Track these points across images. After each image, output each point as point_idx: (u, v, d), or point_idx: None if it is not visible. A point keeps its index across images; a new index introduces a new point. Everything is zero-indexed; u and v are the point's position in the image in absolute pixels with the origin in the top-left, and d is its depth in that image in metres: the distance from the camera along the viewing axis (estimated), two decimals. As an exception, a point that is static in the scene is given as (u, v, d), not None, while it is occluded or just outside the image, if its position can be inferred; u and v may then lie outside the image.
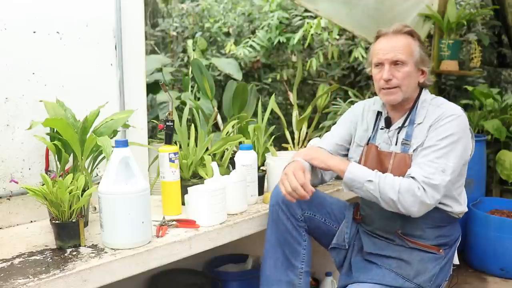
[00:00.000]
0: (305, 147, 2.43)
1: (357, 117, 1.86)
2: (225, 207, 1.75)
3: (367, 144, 1.77)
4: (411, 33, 1.69)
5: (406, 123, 1.68)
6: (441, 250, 1.64)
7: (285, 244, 1.78)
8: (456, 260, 1.77)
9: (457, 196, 1.66)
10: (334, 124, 1.98)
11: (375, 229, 1.72)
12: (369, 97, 2.88)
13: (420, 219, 1.61)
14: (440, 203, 1.61)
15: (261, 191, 2.08)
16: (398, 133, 1.69)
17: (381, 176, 1.57)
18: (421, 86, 1.73)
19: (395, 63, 1.65)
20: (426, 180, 1.51)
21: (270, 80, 4.87)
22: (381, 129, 1.75)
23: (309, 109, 2.51)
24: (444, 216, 1.65)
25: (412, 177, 1.54)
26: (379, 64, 1.68)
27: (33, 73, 1.78)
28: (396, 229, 1.65)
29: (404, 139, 1.65)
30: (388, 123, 1.74)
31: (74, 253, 1.43)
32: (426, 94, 1.72)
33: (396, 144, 1.68)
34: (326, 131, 2.02)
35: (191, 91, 3.59)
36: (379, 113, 1.79)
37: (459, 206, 1.66)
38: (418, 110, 1.68)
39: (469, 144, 1.64)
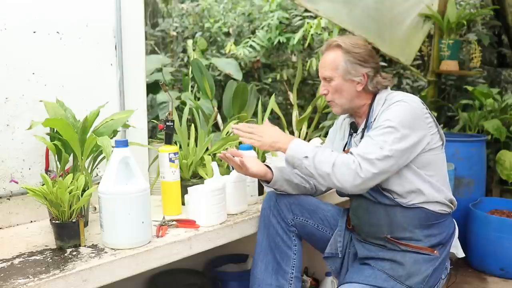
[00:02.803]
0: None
1: (337, 130, 1.92)
2: (225, 207, 1.75)
3: (344, 150, 1.80)
4: (339, 45, 1.70)
5: (368, 125, 1.71)
6: (435, 251, 1.63)
7: (276, 248, 1.79)
8: (460, 253, 1.75)
9: (431, 180, 1.62)
10: (333, 124, 2.00)
11: (366, 237, 1.72)
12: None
13: (406, 220, 1.62)
14: (418, 192, 1.59)
15: (261, 191, 2.08)
16: (362, 136, 1.72)
17: (317, 151, 1.58)
18: (375, 90, 1.71)
19: (325, 79, 1.73)
20: (361, 154, 1.53)
21: (270, 80, 4.86)
22: (350, 134, 1.82)
23: (309, 109, 2.51)
24: (430, 214, 1.63)
25: (350, 153, 1.57)
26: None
27: (33, 73, 1.78)
28: (384, 234, 1.65)
29: None
30: (355, 128, 1.80)
31: (74, 253, 1.43)
32: (383, 93, 1.71)
33: None
34: (326, 131, 2.03)
35: (191, 91, 3.58)
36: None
37: (437, 193, 1.62)
38: (374, 110, 1.70)
39: (423, 130, 1.59)
